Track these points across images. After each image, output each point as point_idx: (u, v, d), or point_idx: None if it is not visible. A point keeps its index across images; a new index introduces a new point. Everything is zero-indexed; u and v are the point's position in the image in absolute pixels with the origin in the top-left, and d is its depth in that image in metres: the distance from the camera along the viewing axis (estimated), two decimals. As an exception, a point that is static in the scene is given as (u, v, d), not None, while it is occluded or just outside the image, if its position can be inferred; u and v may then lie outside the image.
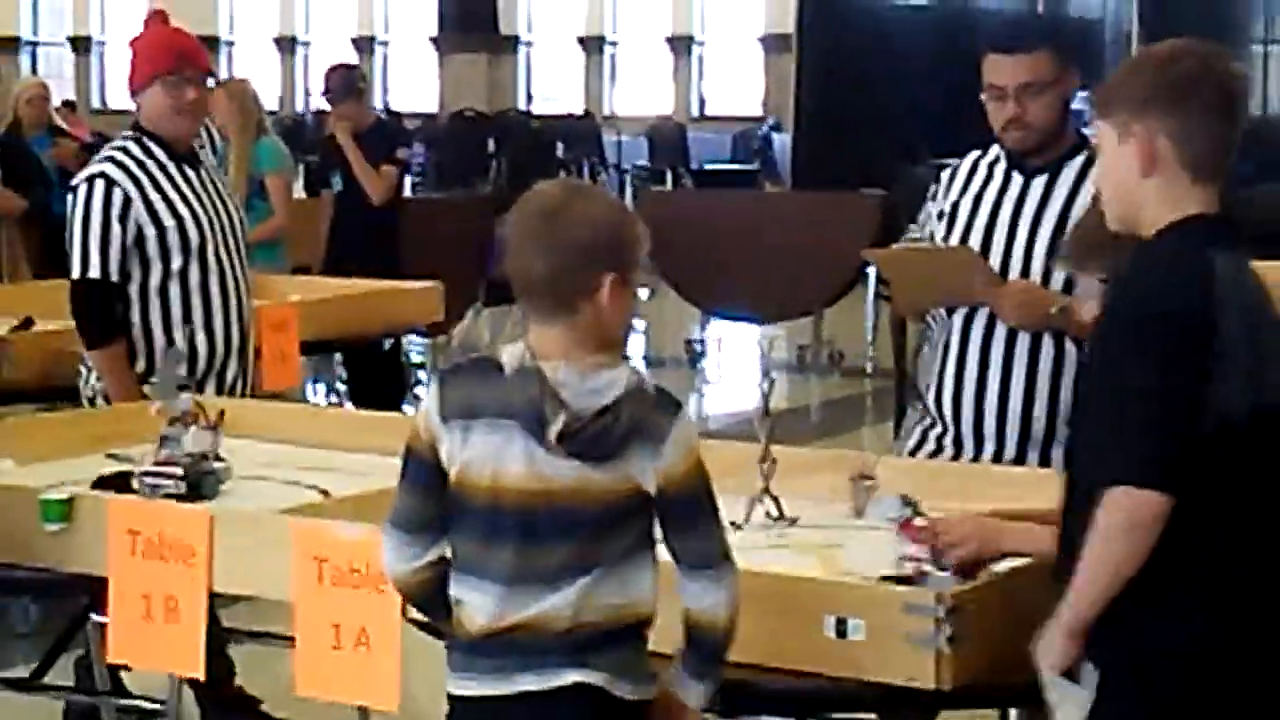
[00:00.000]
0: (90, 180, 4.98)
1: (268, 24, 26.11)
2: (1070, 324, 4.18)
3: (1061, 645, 2.96)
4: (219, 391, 5.03)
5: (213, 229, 5.06)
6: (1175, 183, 2.99)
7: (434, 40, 24.72)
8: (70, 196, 5.01)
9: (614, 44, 24.15)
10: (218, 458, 4.06)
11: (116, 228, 4.94)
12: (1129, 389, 2.86)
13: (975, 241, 4.35)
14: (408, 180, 16.82)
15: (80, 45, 26.58)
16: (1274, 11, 16.41)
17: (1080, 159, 4.32)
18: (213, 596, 3.65)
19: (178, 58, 5.00)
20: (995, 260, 4.31)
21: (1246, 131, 3.06)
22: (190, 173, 5.08)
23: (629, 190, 19.23)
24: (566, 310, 2.96)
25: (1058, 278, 4.26)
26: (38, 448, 4.44)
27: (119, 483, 4.01)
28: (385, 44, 25.81)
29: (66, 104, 17.96)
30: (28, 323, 6.32)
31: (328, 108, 9.47)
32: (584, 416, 2.92)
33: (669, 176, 19.65)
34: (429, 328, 8.12)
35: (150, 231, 4.97)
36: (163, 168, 5.04)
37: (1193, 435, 2.84)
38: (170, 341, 4.98)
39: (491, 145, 20.10)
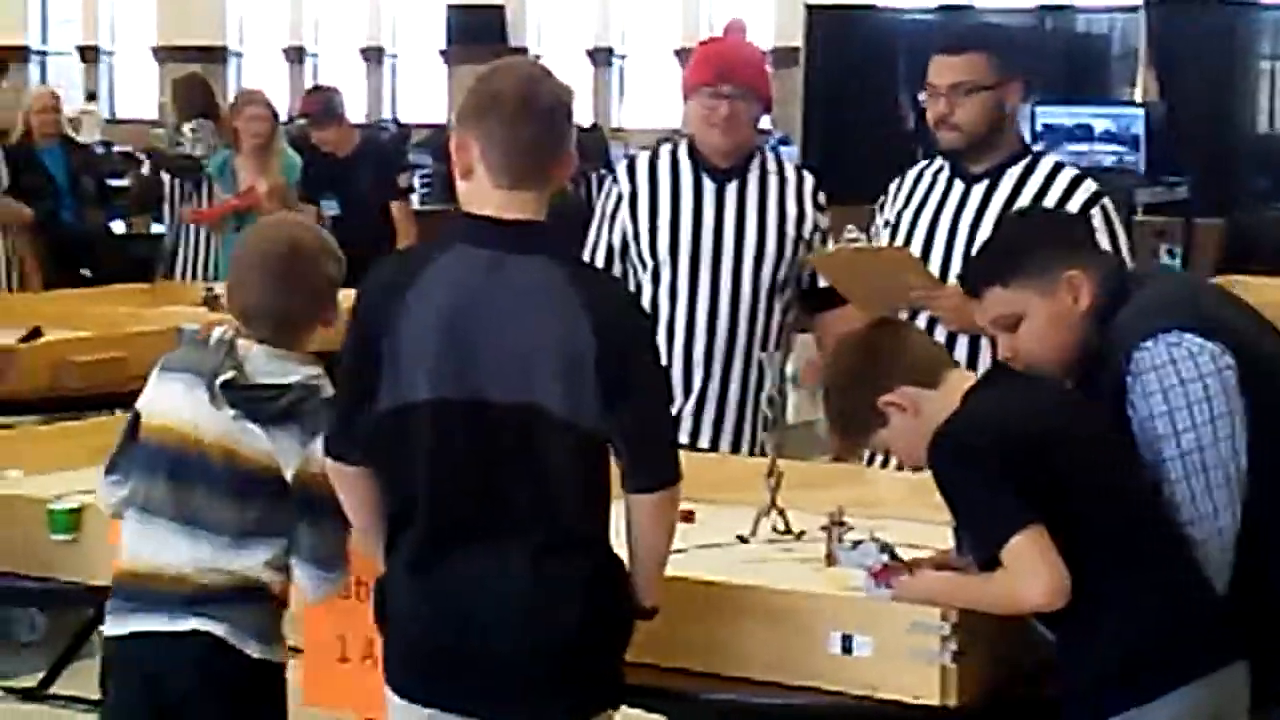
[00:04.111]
0: (604, 179, 4.86)
1: (277, 35, 26.12)
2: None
3: None
4: (684, 396, 4.68)
5: (712, 244, 4.72)
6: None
7: (443, 52, 24.74)
8: None
9: (622, 57, 24.14)
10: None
11: (604, 228, 4.82)
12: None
13: (916, 247, 4.45)
14: (415, 191, 16.85)
15: (89, 55, 26.58)
16: (1283, 27, 16.38)
17: (1020, 166, 4.39)
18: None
19: (715, 72, 4.77)
20: (935, 265, 4.39)
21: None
22: (713, 185, 4.75)
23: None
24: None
25: None
26: (45, 458, 4.44)
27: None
28: (394, 56, 25.81)
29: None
30: (36, 333, 6.33)
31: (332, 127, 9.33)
32: (251, 380, 3.35)
33: (677, 189, 19.64)
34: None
35: (638, 234, 4.77)
36: (676, 174, 4.79)
37: (367, 414, 3.14)
38: None
39: (499, 157, 20.13)
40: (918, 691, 3.12)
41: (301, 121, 9.23)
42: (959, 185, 4.45)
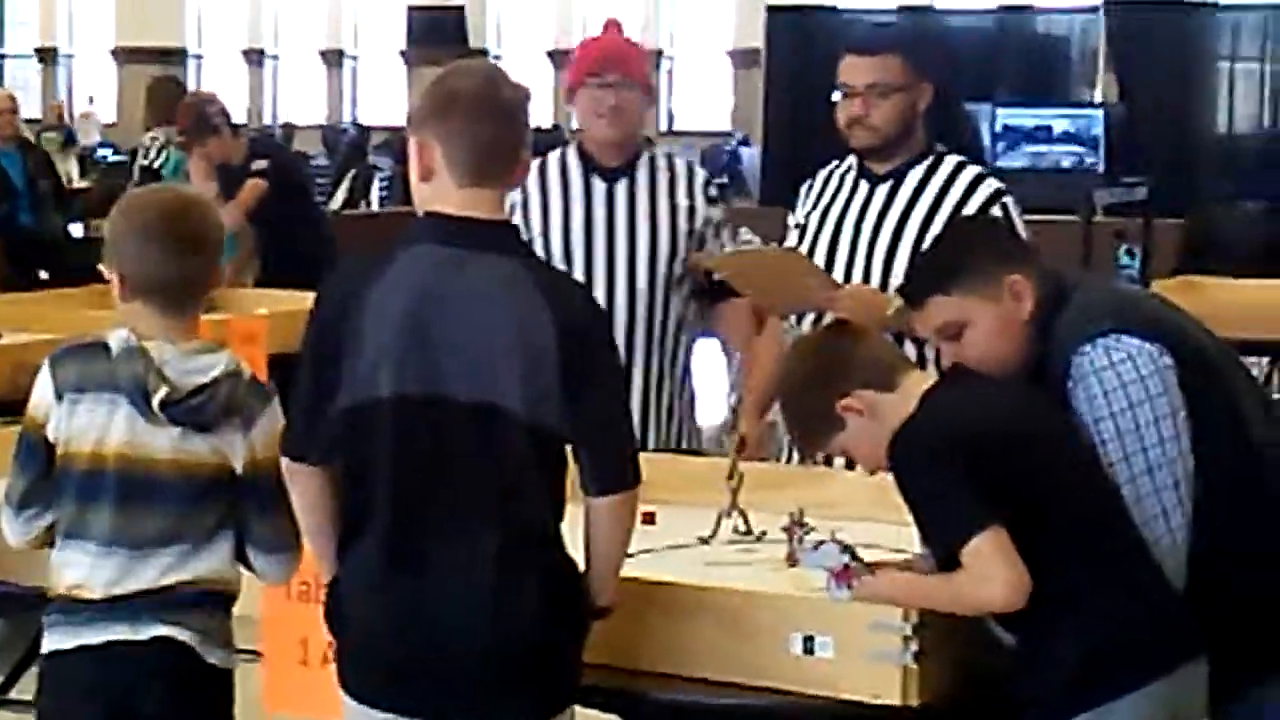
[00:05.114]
0: None
1: (236, 37, 26.08)
2: (906, 325, 4.18)
3: None
4: None
5: (605, 244, 4.69)
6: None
7: (403, 53, 24.72)
8: None
9: (582, 58, 24.21)
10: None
11: None
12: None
13: (822, 249, 4.46)
14: (375, 193, 16.83)
15: (47, 57, 26.51)
16: (1239, 28, 16.48)
17: (923, 166, 4.42)
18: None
19: (600, 63, 4.75)
20: (839, 266, 4.41)
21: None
22: (603, 185, 4.72)
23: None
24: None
25: (896, 281, 4.27)
26: (4, 460, 4.39)
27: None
28: (354, 58, 25.79)
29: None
30: (-7, 335, 6.29)
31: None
32: (183, 390, 3.25)
33: (637, 191, 19.65)
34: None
35: (530, 239, 4.66)
36: (566, 176, 4.75)
37: (327, 413, 3.12)
38: None
39: (460, 158, 20.12)
40: (879, 692, 3.11)
41: (179, 139, 8.43)
42: (864, 186, 4.47)
